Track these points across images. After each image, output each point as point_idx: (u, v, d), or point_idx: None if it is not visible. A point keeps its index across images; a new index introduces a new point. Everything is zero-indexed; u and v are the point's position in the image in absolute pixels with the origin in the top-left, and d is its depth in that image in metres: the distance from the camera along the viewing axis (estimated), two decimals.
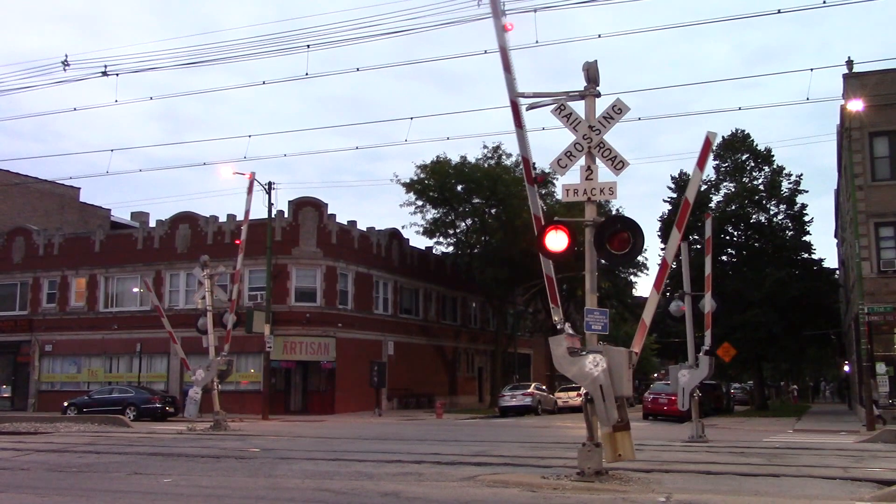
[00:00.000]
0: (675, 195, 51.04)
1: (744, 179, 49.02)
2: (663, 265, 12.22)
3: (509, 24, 11.07)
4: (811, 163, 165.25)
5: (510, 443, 19.55)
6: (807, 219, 48.50)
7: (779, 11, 17.52)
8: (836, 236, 51.03)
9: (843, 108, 31.03)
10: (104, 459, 14.73)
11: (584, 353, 11.15)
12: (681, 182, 50.92)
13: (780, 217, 49.09)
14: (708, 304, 23.02)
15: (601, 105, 12.17)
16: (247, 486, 10.74)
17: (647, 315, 11.66)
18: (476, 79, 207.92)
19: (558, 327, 11.32)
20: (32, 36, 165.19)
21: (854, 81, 30.48)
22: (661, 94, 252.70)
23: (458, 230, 52.58)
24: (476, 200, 51.17)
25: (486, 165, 50.39)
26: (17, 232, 49.15)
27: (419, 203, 50.85)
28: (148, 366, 43.79)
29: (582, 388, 11.87)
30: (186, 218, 45.17)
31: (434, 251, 54.26)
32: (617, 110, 11.98)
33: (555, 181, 49.13)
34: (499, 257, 49.66)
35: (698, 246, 47.19)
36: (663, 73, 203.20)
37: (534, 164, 11.85)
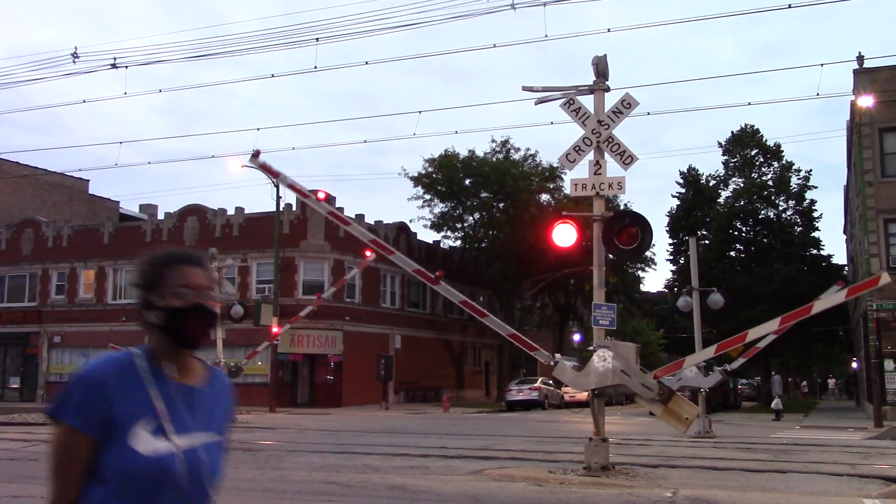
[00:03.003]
0: (683, 190, 50.94)
1: (752, 175, 48.82)
2: (743, 336, 12.55)
3: (321, 195, 11.90)
4: (820, 159, 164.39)
5: (516, 437, 19.56)
6: (816, 215, 48.37)
7: (789, 6, 17.42)
8: (844, 232, 50.81)
9: (853, 104, 30.84)
10: None
11: (591, 348, 11.17)
12: (689, 177, 50.79)
13: (788, 213, 48.93)
14: (736, 362, 23.35)
15: (610, 100, 12.15)
16: (254, 479, 10.78)
17: (691, 360, 12.08)
18: (484, 73, 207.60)
19: (552, 363, 11.41)
20: (42, 29, 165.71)
21: (864, 77, 30.29)
22: (669, 90, 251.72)
23: (465, 224, 52.54)
24: (484, 194, 51.10)
25: (494, 159, 50.28)
26: (26, 224, 49.31)
27: (427, 197, 50.85)
28: None
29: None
30: (195, 210, 45.26)
31: (442, 245, 54.28)
32: (626, 105, 11.94)
33: (563, 175, 49.22)
34: (506, 251, 49.64)
35: (707, 241, 47.21)
36: (670, 68, 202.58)
37: (438, 274, 12.40)
